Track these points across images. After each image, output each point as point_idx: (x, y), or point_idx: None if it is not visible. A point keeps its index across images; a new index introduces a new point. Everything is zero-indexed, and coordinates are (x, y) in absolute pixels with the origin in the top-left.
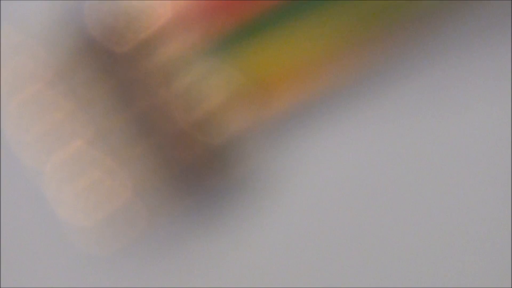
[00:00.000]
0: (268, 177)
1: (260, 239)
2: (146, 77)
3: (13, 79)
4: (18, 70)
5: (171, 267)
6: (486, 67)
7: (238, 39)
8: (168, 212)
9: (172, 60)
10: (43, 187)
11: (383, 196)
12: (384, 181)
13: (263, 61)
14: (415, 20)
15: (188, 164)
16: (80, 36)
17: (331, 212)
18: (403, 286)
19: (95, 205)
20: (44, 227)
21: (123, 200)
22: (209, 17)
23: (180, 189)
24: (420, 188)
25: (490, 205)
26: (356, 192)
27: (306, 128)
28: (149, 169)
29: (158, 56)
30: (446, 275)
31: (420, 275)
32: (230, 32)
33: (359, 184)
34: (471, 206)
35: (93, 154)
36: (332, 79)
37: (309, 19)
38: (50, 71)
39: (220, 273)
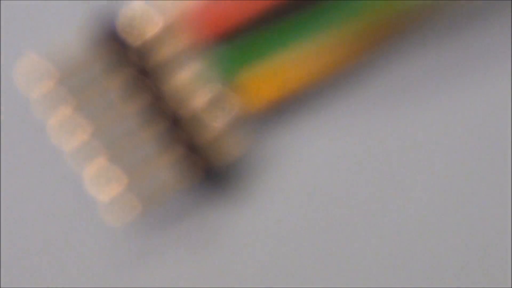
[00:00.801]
0: (259, 165)
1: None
2: (152, 70)
3: (32, 71)
4: (37, 63)
5: (177, 237)
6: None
7: (231, 48)
8: (176, 189)
9: (174, 57)
10: (71, 169)
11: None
12: (366, 172)
13: (252, 69)
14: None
15: (191, 149)
16: (98, 30)
17: (316, 198)
18: (390, 280)
19: (113, 185)
20: (72, 203)
21: (135, 180)
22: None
23: (185, 169)
24: (405, 181)
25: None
26: (339, 181)
27: (293, 123)
28: (157, 152)
29: (163, 53)
30: (436, 271)
31: (406, 268)
32: (225, 41)
33: (343, 174)
34: (455, 199)
35: (108, 138)
36: (319, 82)
37: (299, 36)
38: (68, 63)
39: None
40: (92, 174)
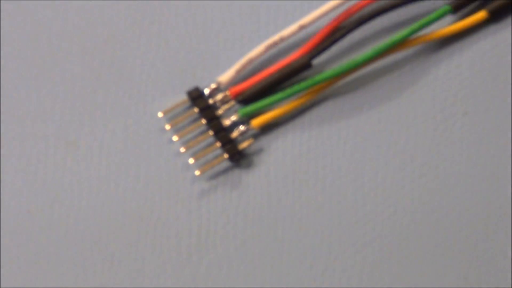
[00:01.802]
0: (260, 153)
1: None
2: (213, 109)
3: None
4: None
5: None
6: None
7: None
8: (219, 161)
9: (223, 104)
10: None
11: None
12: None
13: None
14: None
15: (225, 143)
16: (192, 94)
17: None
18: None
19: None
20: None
21: (202, 155)
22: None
23: (222, 152)
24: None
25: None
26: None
27: (279, 131)
28: (211, 143)
29: (218, 103)
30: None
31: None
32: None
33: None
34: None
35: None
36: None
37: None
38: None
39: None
40: (184, 153)
